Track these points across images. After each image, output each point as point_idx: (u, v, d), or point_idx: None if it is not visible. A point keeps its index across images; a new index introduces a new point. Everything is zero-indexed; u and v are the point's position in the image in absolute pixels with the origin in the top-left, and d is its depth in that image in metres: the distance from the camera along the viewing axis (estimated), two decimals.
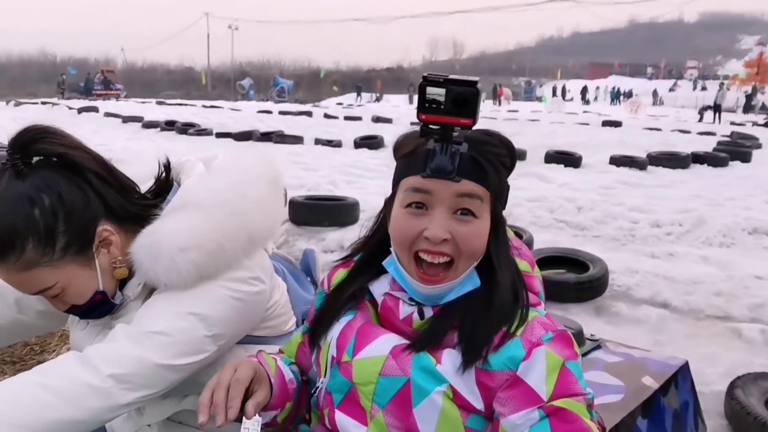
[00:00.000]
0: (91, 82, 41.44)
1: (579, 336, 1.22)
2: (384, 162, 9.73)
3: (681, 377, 1.14)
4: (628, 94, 48.24)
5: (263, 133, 13.07)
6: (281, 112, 21.98)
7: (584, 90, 50.99)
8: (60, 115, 20.98)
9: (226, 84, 56.86)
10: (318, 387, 1.00)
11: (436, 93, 0.84)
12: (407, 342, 0.92)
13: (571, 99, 47.01)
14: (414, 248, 0.90)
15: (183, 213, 0.99)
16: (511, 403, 0.86)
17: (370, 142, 11.56)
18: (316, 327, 1.02)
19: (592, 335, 1.26)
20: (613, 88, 50.99)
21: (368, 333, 0.96)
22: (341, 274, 1.05)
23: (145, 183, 1.08)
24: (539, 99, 49.66)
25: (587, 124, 19.93)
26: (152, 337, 0.93)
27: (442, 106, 0.84)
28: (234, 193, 1.00)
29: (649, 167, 9.41)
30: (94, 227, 0.97)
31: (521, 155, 10.30)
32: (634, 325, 3.53)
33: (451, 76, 0.84)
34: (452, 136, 0.87)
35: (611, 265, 4.08)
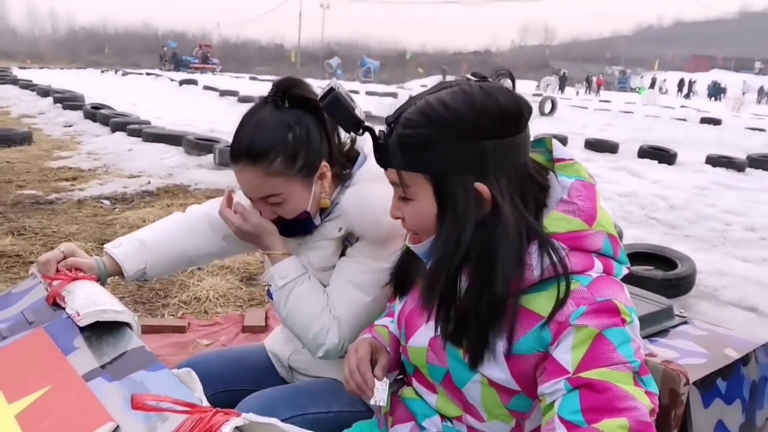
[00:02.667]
0: (183, 56, 43.25)
1: (669, 312, 1.39)
2: None
3: (762, 353, 1.28)
4: (724, 90, 45.21)
5: None
6: (368, 93, 22.35)
7: (681, 83, 48.31)
8: (163, 85, 22.32)
9: (314, 62, 58.00)
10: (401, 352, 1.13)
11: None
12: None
13: (666, 92, 44.71)
14: None
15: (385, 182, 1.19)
16: (543, 374, 0.88)
17: None
18: (396, 293, 1.14)
19: (681, 312, 1.42)
20: (714, 83, 48.01)
21: (413, 322, 1.06)
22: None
23: None
24: (633, 90, 47.55)
25: (684, 119, 19.04)
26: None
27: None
28: None
29: (748, 170, 9.01)
30: (320, 161, 1.22)
31: (613, 148, 10.11)
32: None
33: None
34: (374, 132, 0.94)
35: (700, 266, 4.08)
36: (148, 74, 28.34)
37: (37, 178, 6.21)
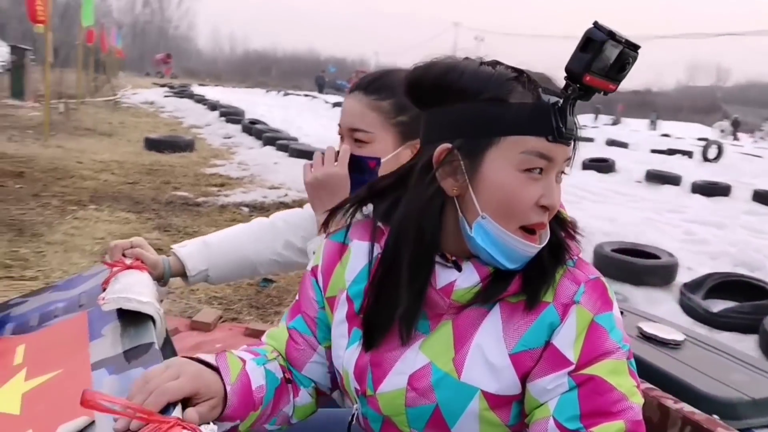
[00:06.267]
0: (322, 79, 45.79)
1: None
2: (611, 187, 9.18)
3: None
4: None
5: None
6: None
7: None
8: (317, 106, 23.71)
9: None
10: (354, 413, 0.95)
11: (612, 54, 0.74)
12: (420, 366, 0.85)
13: None
14: (524, 220, 0.81)
15: None
16: (541, 364, 0.81)
17: (599, 165, 11.01)
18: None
19: None
20: None
21: (381, 363, 0.88)
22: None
23: None
24: None
25: None
26: None
27: (608, 68, 0.75)
28: None
29: None
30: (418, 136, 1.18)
31: None
32: None
33: (622, 35, 0.74)
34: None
35: None
36: (306, 95, 30.28)
37: (191, 182, 6.80)
